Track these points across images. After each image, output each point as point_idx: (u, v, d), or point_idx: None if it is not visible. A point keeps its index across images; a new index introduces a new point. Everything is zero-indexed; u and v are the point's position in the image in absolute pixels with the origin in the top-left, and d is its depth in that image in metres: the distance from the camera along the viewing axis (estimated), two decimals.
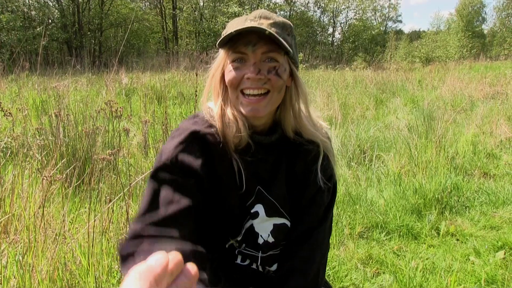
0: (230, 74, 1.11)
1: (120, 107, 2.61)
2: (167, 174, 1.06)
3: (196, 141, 1.13)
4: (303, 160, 1.23)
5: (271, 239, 1.21)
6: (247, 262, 1.23)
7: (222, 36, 1.08)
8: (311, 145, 1.22)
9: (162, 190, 1.03)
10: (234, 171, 1.16)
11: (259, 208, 1.19)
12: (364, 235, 3.19)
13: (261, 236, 1.20)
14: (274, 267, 1.24)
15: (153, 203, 1.02)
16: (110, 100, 2.57)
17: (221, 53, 1.15)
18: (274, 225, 1.21)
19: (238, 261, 1.23)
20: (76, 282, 2.07)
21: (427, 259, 2.84)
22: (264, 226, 1.20)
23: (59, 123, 3.46)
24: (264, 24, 1.07)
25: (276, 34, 1.05)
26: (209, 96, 1.22)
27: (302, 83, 1.19)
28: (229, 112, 1.15)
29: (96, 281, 2.04)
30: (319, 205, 1.25)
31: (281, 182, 1.22)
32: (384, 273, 2.68)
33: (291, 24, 1.15)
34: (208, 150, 1.13)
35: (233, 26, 1.08)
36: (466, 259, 2.85)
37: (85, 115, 4.15)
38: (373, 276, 2.65)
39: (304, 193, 1.24)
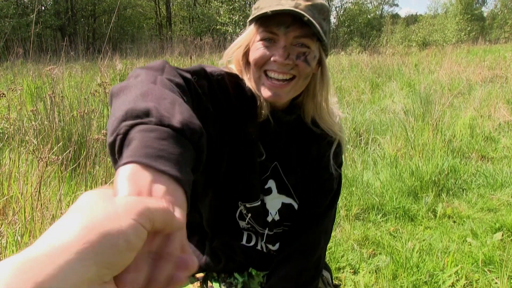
0: (256, 52, 1.05)
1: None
2: (204, 81, 0.98)
3: (240, 84, 1.10)
4: (317, 144, 1.20)
5: (277, 217, 1.20)
6: (252, 243, 1.21)
7: (255, 14, 1.02)
8: (333, 131, 1.20)
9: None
10: (258, 137, 1.13)
11: (271, 184, 1.17)
12: (360, 216, 3.19)
13: (270, 213, 1.18)
14: (277, 246, 1.23)
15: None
16: (103, 81, 2.54)
17: (251, 28, 1.09)
18: (283, 203, 1.20)
19: (244, 241, 1.21)
20: None
21: (423, 240, 2.85)
22: (273, 203, 1.19)
23: (53, 107, 3.42)
24: (301, 5, 1.00)
25: (313, 20, 0.98)
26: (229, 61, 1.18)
27: (328, 73, 1.14)
28: (250, 87, 1.11)
29: None
30: (327, 192, 1.24)
31: (295, 163, 1.20)
32: (380, 254, 2.68)
33: (329, 8, 1.09)
34: (245, 101, 1.09)
35: (267, 3, 1.02)
36: (463, 241, 2.86)
37: (79, 100, 4.12)
38: (370, 257, 2.65)
39: (315, 178, 1.23)
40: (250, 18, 1.05)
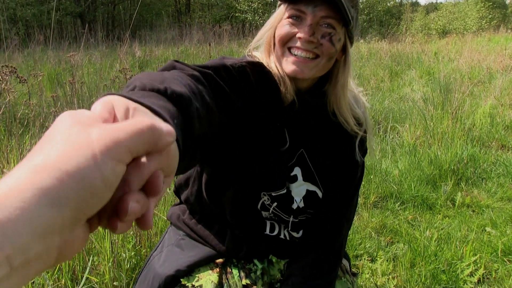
0: (282, 29, 1.05)
1: (134, 75, 2.60)
2: (224, 73, 0.96)
3: (264, 71, 1.09)
4: (344, 132, 1.19)
5: (302, 204, 1.19)
6: (275, 232, 1.22)
7: None
8: (348, 125, 1.18)
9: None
10: (282, 123, 1.12)
11: (297, 171, 1.17)
12: (378, 204, 3.18)
13: (295, 200, 1.18)
14: (301, 233, 1.23)
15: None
16: (124, 68, 2.56)
17: (280, 8, 1.09)
18: (307, 190, 1.19)
19: (267, 231, 1.21)
20: (93, 246, 2.10)
21: (442, 229, 2.83)
22: (299, 190, 1.18)
23: (73, 93, 3.46)
24: None
25: (343, 1, 0.98)
26: (256, 47, 1.18)
27: (351, 62, 1.14)
28: (275, 68, 1.11)
29: (111, 245, 2.06)
30: (351, 180, 1.24)
31: (322, 150, 1.19)
32: (398, 242, 2.67)
33: None
34: (269, 89, 1.08)
35: None
36: (482, 230, 2.83)
37: (99, 86, 4.16)
38: (387, 245, 2.65)
39: (340, 166, 1.22)
40: None
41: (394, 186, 3.36)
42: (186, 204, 1.28)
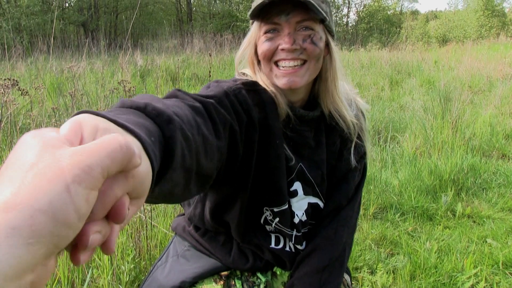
0: (263, 46, 1.05)
1: (133, 87, 2.60)
2: (226, 99, 0.95)
3: (258, 90, 1.08)
4: (339, 138, 1.21)
5: (304, 218, 1.19)
6: (281, 245, 1.21)
7: (253, 7, 1.01)
8: (345, 122, 1.18)
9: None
10: (282, 139, 1.11)
11: (297, 186, 1.17)
12: (378, 215, 3.18)
13: (297, 215, 1.18)
14: (304, 245, 1.23)
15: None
16: (123, 80, 2.57)
17: (254, 24, 1.09)
18: (309, 203, 1.19)
19: (272, 244, 1.20)
20: (92, 259, 2.10)
21: (442, 240, 2.82)
22: (300, 204, 1.18)
23: (73, 103, 3.48)
24: None
25: (312, 1, 0.97)
26: (241, 67, 1.18)
27: (336, 55, 1.12)
28: (264, 85, 1.10)
29: (111, 258, 2.06)
30: (349, 184, 1.24)
31: (322, 161, 1.19)
32: (398, 254, 2.67)
33: None
34: (266, 106, 1.08)
35: None
36: (483, 241, 2.82)
37: (100, 96, 4.17)
38: (387, 256, 2.64)
39: (337, 171, 1.23)
40: (250, 13, 1.04)
41: (394, 197, 3.36)
42: (190, 221, 1.28)
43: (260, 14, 1.03)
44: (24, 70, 8.06)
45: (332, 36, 1.10)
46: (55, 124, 3.41)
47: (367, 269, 2.49)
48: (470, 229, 3.00)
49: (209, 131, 0.78)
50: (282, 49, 1.02)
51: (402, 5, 38.80)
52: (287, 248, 1.21)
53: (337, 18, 35.75)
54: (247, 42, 1.12)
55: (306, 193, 1.18)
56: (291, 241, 1.21)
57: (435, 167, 3.73)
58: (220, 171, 0.89)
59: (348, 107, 1.18)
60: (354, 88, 1.29)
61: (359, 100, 1.25)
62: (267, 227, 1.19)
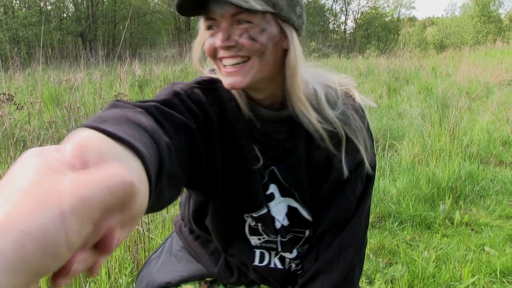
0: (206, 43, 0.95)
1: (130, 99, 2.62)
2: (176, 100, 0.91)
3: (216, 88, 1.02)
4: (323, 144, 1.03)
5: (285, 222, 1.11)
6: (265, 262, 1.15)
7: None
8: (331, 124, 1.02)
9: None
10: (249, 140, 1.04)
11: (273, 189, 1.08)
12: (376, 224, 3.18)
13: (277, 220, 1.10)
14: (294, 253, 1.14)
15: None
16: (119, 92, 2.58)
17: (201, 21, 0.98)
18: (289, 207, 1.10)
19: (256, 262, 1.15)
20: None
21: (440, 249, 2.82)
22: (279, 208, 1.10)
23: (71, 115, 3.49)
24: None
25: None
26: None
27: (297, 47, 0.96)
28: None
29: (108, 271, 2.06)
30: (348, 197, 1.09)
31: (298, 166, 1.07)
32: (396, 263, 2.66)
33: None
34: (226, 105, 1.01)
35: None
36: (481, 250, 2.82)
37: (97, 108, 4.19)
38: (385, 266, 2.64)
39: (326, 183, 1.09)
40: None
41: (392, 206, 3.36)
42: (184, 221, 1.27)
43: (203, 11, 0.93)
44: (22, 81, 8.07)
45: (293, 24, 0.95)
46: (52, 137, 3.41)
47: (365, 279, 2.49)
48: (468, 237, 3.00)
49: (169, 133, 0.77)
50: (217, 47, 0.93)
51: (399, 11, 38.97)
52: (272, 265, 1.16)
53: (335, 26, 35.89)
54: (197, 42, 1.03)
55: (284, 195, 1.09)
56: (278, 249, 1.14)
57: (433, 175, 3.73)
58: (188, 172, 0.88)
59: (326, 105, 1.02)
60: (352, 81, 1.12)
61: (357, 95, 1.09)
62: (253, 240, 1.15)
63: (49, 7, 24.05)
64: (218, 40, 0.91)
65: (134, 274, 2.22)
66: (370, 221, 3.05)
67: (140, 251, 2.32)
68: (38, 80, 7.13)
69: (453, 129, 4.56)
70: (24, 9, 21.37)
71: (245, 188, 1.05)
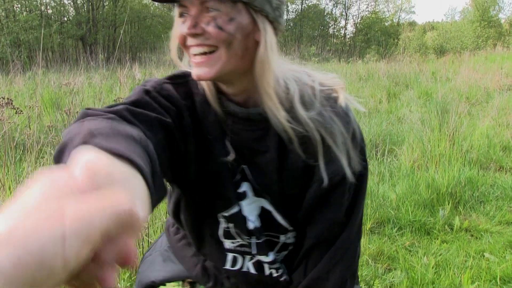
0: (176, 31, 0.91)
1: None
2: (147, 97, 0.90)
3: (187, 83, 1.00)
4: (299, 148, 0.96)
5: (257, 224, 1.05)
6: (238, 266, 1.12)
7: None
8: (302, 126, 0.94)
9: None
10: (219, 133, 1.00)
11: (246, 187, 1.03)
12: (375, 230, 3.17)
13: (250, 220, 1.04)
14: (271, 256, 1.08)
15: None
16: (119, 97, 2.59)
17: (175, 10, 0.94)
18: (262, 208, 1.04)
19: (228, 265, 1.11)
20: None
21: (440, 255, 2.81)
22: (251, 208, 1.04)
23: (70, 119, 3.49)
24: None
25: None
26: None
27: (269, 39, 0.90)
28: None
29: None
30: (332, 212, 1.00)
31: (269, 168, 1.00)
32: (395, 269, 2.65)
33: None
34: (195, 98, 0.99)
35: None
36: (481, 256, 2.81)
37: None
38: (384, 272, 2.63)
39: (306, 193, 1.01)
40: None
41: (391, 211, 3.35)
42: (172, 220, 1.26)
43: None
44: (23, 84, 8.09)
45: (266, 15, 0.90)
46: (52, 141, 3.42)
47: (364, 285, 2.48)
48: (467, 243, 2.99)
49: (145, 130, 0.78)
50: (184, 35, 0.89)
51: (399, 16, 39.06)
52: (245, 269, 1.12)
53: (335, 30, 35.98)
54: (173, 31, 0.96)
55: (257, 195, 1.03)
56: (252, 259, 1.11)
57: (432, 181, 3.72)
58: (170, 168, 0.89)
59: (299, 105, 0.94)
60: (340, 82, 1.04)
61: (342, 97, 0.99)
62: (227, 243, 1.10)
63: (50, 11, 24.15)
64: (185, 28, 0.87)
65: (133, 278, 2.22)
66: (369, 226, 3.06)
67: (139, 255, 2.31)
68: (39, 84, 7.14)
69: (453, 134, 4.55)
70: (25, 13, 21.46)
71: (216, 183, 1.02)
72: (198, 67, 0.89)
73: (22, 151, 3.34)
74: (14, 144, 3.33)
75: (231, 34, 0.86)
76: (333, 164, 0.96)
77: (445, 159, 4.24)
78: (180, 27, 0.89)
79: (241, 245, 1.10)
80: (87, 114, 0.75)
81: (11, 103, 2.23)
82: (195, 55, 0.89)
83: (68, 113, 2.86)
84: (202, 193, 1.04)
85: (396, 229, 3.16)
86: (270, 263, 1.09)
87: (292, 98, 0.94)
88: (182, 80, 1.01)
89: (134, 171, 0.52)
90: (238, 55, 0.89)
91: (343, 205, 1.00)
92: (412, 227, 3.18)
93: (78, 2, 25.57)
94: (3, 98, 2.20)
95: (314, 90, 0.97)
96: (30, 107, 2.99)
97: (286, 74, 0.97)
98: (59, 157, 0.64)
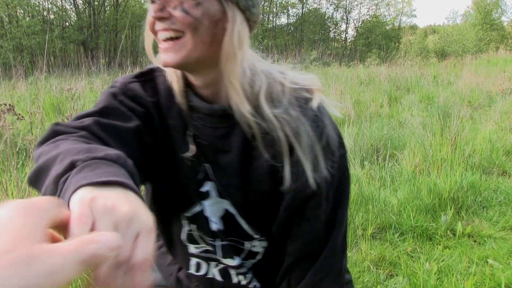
0: (147, 16, 0.89)
1: None
2: (114, 101, 0.90)
3: (154, 78, 1.00)
4: (263, 148, 0.91)
5: (221, 226, 1.01)
6: (202, 272, 1.09)
7: None
8: (266, 123, 0.89)
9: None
10: (182, 128, 0.97)
11: (210, 187, 0.98)
12: (377, 236, 3.15)
13: (212, 221, 1.00)
14: (237, 260, 1.04)
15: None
16: None
17: None
18: (226, 211, 1.00)
19: (192, 270, 1.09)
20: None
21: (442, 261, 2.79)
22: (214, 209, 1.00)
23: None
24: None
25: None
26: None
27: (237, 27, 0.87)
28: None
29: None
30: (310, 222, 0.93)
31: (230, 169, 0.96)
32: (397, 275, 2.63)
33: None
34: (160, 92, 0.99)
35: None
36: (484, 262, 2.79)
37: None
38: (386, 278, 2.61)
39: (276, 204, 0.95)
40: None
41: (393, 217, 3.33)
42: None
43: None
44: (25, 89, 8.11)
45: (237, 3, 0.86)
46: None
47: None
48: (470, 249, 2.97)
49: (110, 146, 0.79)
50: (152, 19, 0.87)
51: (400, 20, 39.09)
52: (210, 275, 1.09)
53: (336, 34, 36.01)
54: (146, 19, 0.93)
55: (221, 196, 0.99)
56: (218, 266, 1.07)
57: (434, 186, 3.70)
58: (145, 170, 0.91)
59: (264, 100, 0.90)
60: (316, 83, 0.97)
61: (317, 98, 0.93)
62: (191, 248, 1.08)
63: (52, 16, 24.27)
64: (151, 11, 0.85)
65: None
66: (370, 232, 3.04)
67: None
68: (41, 89, 7.16)
69: (455, 138, 4.53)
70: (27, 18, 21.58)
71: (178, 180, 0.99)
72: (165, 53, 0.87)
73: (25, 157, 3.34)
74: (17, 149, 3.33)
75: (197, 19, 0.83)
76: (297, 168, 0.89)
77: (447, 163, 4.22)
78: (149, 12, 0.87)
79: (206, 251, 1.06)
80: (57, 132, 0.78)
81: (13, 109, 2.23)
82: (163, 41, 0.87)
83: (69, 119, 2.86)
84: (166, 190, 1.02)
85: (397, 234, 3.14)
86: (236, 267, 1.05)
87: (258, 92, 0.90)
88: (149, 77, 1.00)
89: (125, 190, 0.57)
90: (205, 42, 0.86)
91: (320, 218, 0.92)
92: (414, 233, 3.17)
93: (80, 7, 25.68)
94: (5, 105, 2.21)
95: (283, 87, 0.92)
96: (32, 113, 3.00)
97: (256, 68, 0.93)
98: (36, 182, 0.69)
